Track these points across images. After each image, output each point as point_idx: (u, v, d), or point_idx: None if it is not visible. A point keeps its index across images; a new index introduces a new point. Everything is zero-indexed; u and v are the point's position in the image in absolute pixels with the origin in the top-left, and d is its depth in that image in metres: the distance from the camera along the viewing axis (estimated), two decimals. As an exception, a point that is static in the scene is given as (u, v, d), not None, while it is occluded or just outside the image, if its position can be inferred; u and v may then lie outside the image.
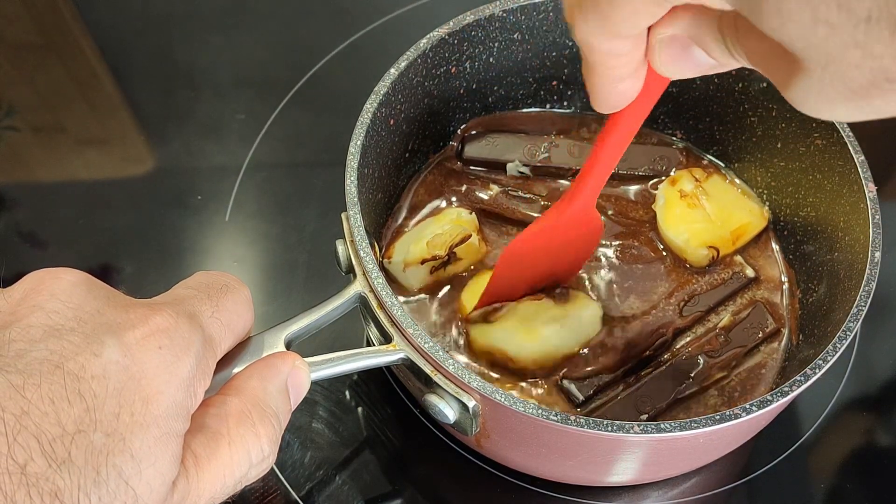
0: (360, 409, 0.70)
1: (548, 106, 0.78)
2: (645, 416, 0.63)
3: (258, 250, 0.79)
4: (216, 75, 0.89)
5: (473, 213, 0.71)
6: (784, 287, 0.71)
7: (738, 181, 0.75)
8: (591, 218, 0.63)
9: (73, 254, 0.77)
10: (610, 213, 0.73)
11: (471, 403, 0.54)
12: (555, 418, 0.51)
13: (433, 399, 0.55)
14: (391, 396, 0.71)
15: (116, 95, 0.88)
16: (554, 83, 0.76)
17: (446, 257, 0.68)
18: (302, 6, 0.94)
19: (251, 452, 0.43)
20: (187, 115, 0.86)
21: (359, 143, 0.61)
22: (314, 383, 0.51)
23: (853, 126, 0.64)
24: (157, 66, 0.90)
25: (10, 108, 0.86)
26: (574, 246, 0.66)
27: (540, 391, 0.65)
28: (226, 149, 0.84)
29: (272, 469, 0.67)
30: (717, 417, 0.52)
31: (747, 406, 0.53)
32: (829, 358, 0.55)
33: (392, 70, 0.65)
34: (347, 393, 0.71)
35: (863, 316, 0.56)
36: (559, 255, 0.66)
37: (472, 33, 0.69)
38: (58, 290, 0.40)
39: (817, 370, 0.54)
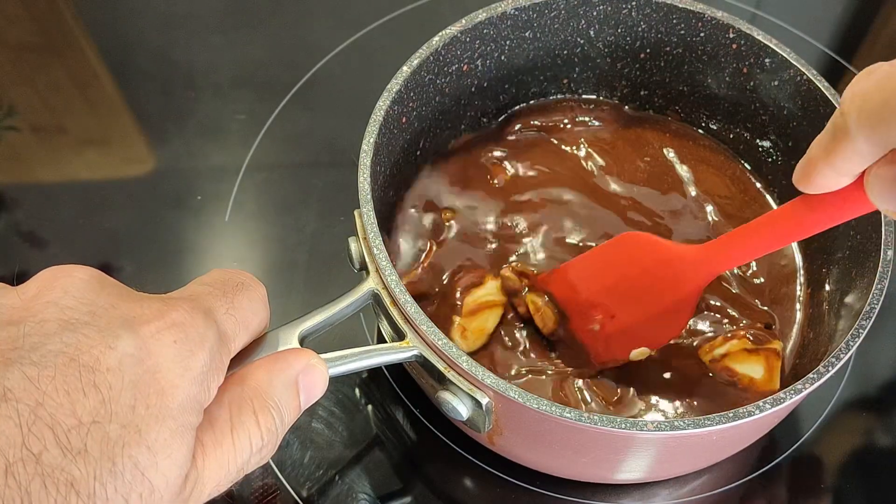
0: (362, 409, 0.70)
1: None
2: None
3: (258, 251, 0.79)
4: (216, 75, 0.89)
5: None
6: (796, 284, 0.70)
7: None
8: (697, 286, 0.61)
9: (73, 254, 0.77)
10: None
11: (484, 400, 0.54)
12: (568, 415, 0.51)
13: (446, 396, 0.55)
14: (392, 397, 0.71)
15: (117, 96, 0.87)
16: (565, 81, 0.77)
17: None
18: (302, 6, 0.94)
19: (252, 440, 0.43)
20: (187, 115, 0.86)
21: (371, 140, 0.61)
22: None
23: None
24: (157, 66, 0.90)
25: (10, 109, 0.85)
26: (668, 292, 0.62)
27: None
28: (226, 149, 0.84)
29: (273, 470, 0.67)
30: (731, 415, 0.52)
31: (760, 404, 0.53)
32: (841, 355, 0.55)
33: (405, 68, 0.65)
34: (346, 393, 0.71)
35: (875, 314, 0.56)
36: (650, 288, 0.63)
37: (485, 31, 0.68)
38: (70, 286, 0.40)
39: (830, 368, 0.54)
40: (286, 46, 0.92)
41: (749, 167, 0.75)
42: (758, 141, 0.74)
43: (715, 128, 0.76)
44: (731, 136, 0.76)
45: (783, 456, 0.69)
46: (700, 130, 0.77)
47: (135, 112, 0.87)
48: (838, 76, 0.89)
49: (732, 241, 0.58)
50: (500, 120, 0.77)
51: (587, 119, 0.78)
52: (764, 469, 0.68)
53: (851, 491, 0.68)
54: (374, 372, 0.72)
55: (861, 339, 0.55)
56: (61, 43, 0.91)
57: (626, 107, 0.78)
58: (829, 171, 0.46)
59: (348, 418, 0.70)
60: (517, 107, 0.77)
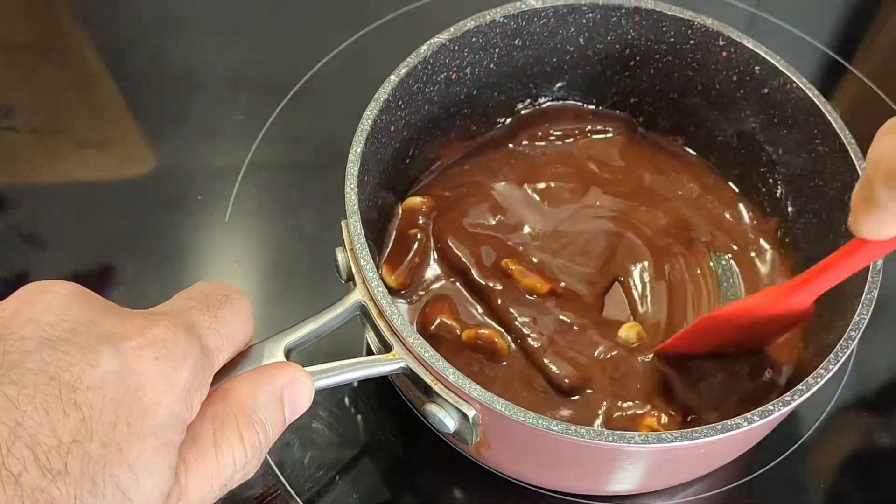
0: (362, 410, 0.71)
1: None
2: None
3: (258, 251, 0.79)
4: (215, 76, 0.89)
5: None
6: None
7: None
8: (804, 307, 0.61)
9: (73, 255, 0.77)
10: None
11: (471, 413, 0.54)
12: (556, 428, 0.51)
13: (433, 408, 0.55)
14: (393, 399, 0.70)
15: (116, 97, 0.87)
16: (555, 88, 0.76)
17: None
18: (301, 7, 0.94)
19: (236, 456, 0.43)
20: (187, 116, 0.86)
21: (359, 150, 0.60)
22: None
23: (855, 133, 0.63)
24: (156, 67, 0.90)
25: (8, 110, 0.85)
26: (775, 324, 0.63)
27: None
28: (226, 149, 0.84)
29: (273, 470, 0.67)
30: (719, 427, 0.52)
31: (749, 416, 0.52)
32: (830, 367, 0.55)
33: (392, 77, 0.64)
34: (347, 395, 0.71)
35: (864, 325, 0.56)
36: (756, 329, 0.64)
37: (473, 39, 0.68)
38: (52, 302, 0.40)
39: (818, 380, 0.54)
40: (285, 47, 0.92)
41: (737, 175, 0.76)
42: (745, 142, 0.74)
43: (703, 135, 0.76)
44: (720, 143, 0.75)
45: (783, 456, 0.69)
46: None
47: (134, 112, 0.87)
48: (838, 76, 0.89)
49: (812, 279, 0.57)
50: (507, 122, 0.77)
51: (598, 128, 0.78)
52: (764, 469, 0.68)
53: (851, 491, 0.69)
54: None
55: (849, 351, 0.55)
56: (60, 44, 0.91)
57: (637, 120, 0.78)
58: (873, 224, 0.45)
59: (349, 419, 0.70)
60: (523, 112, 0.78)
